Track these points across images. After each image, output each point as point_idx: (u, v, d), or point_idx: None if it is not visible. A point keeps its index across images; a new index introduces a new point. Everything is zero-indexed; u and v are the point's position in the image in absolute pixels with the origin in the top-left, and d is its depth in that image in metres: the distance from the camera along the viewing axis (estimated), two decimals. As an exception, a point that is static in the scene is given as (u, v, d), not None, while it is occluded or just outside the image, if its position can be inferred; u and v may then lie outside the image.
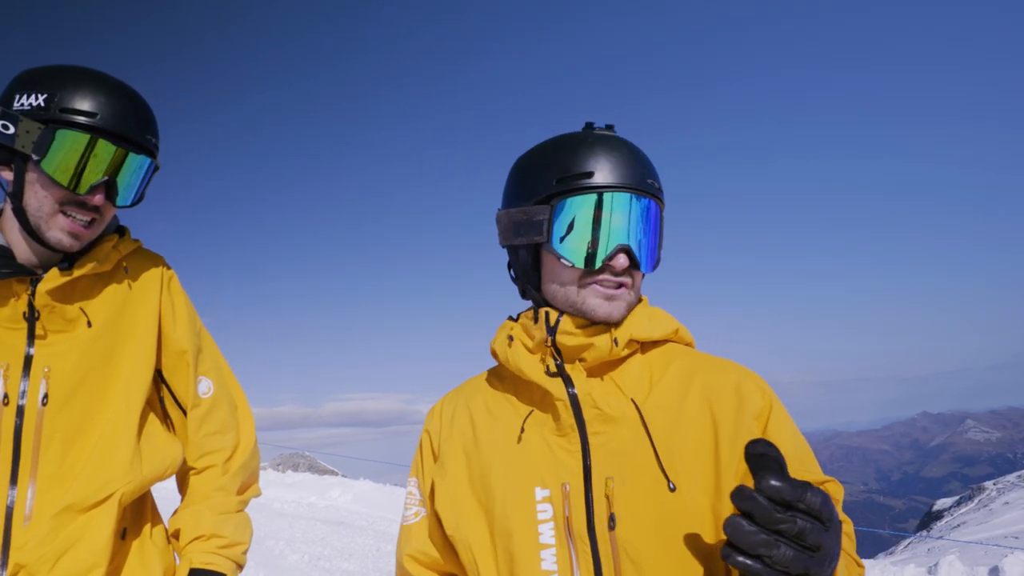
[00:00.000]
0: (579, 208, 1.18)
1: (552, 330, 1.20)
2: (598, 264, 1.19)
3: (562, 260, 1.20)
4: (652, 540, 1.09)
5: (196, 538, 1.55)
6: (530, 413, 1.23)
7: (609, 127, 1.27)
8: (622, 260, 1.18)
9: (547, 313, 1.21)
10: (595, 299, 1.20)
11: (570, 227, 1.19)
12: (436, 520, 1.27)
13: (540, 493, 1.15)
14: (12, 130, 1.34)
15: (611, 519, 1.10)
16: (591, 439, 1.15)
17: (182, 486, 1.65)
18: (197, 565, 1.52)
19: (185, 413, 1.61)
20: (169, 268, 1.65)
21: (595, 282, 1.20)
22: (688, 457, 1.12)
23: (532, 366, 1.21)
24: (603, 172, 1.19)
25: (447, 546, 1.27)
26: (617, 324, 1.21)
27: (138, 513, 1.56)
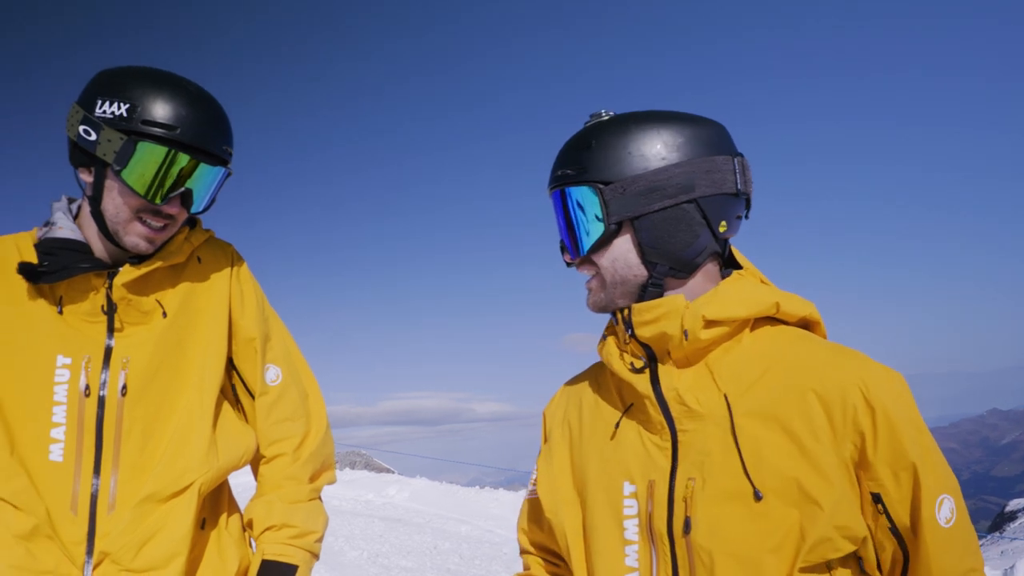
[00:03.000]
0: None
1: (629, 325, 1.17)
2: (568, 263, 1.26)
3: None
4: (729, 549, 1.04)
5: (267, 528, 1.56)
6: (629, 407, 1.22)
7: (594, 115, 1.24)
8: (566, 256, 1.25)
9: (622, 311, 1.19)
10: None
11: None
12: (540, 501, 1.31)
13: (628, 488, 1.15)
14: (94, 136, 1.36)
15: (687, 523, 1.07)
16: (680, 436, 1.12)
17: (256, 474, 1.67)
18: (269, 556, 1.54)
19: (254, 400, 1.62)
20: (239, 256, 1.67)
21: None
22: (779, 465, 1.05)
23: (619, 363, 1.20)
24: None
25: (549, 526, 1.30)
26: (609, 310, 1.22)
27: (216, 503, 1.58)
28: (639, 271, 1.18)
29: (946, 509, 1.05)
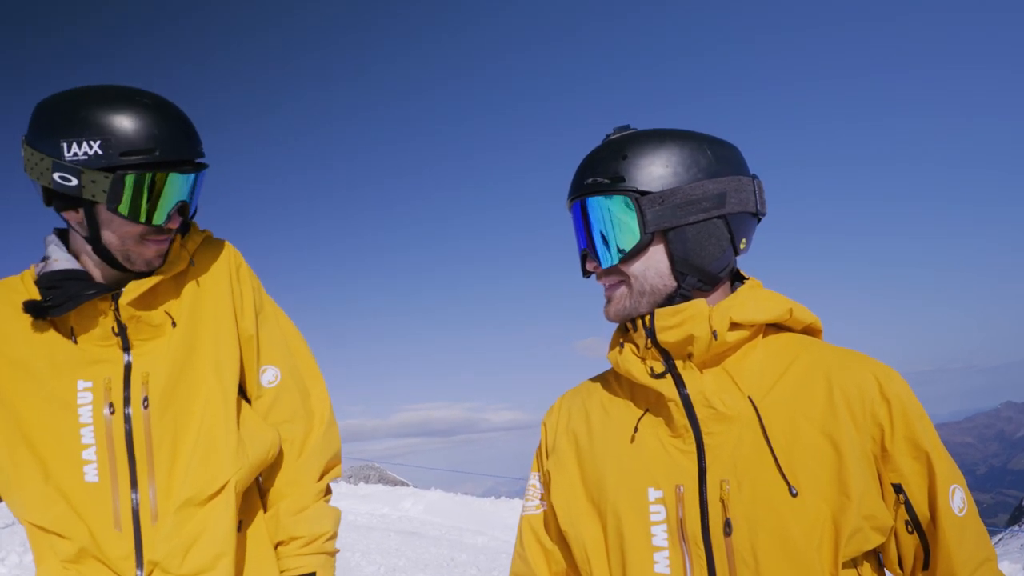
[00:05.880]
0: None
1: (651, 331, 1.18)
2: (584, 272, 1.27)
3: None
4: (770, 548, 1.06)
5: (277, 545, 1.57)
6: (645, 412, 1.22)
7: (618, 128, 1.26)
8: (591, 265, 1.24)
9: (643, 318, 1.20)
10: (605, 302, 1.26)
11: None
12: (552, 514, 1.29)
13: (653, 494, 1.15)
14: (75, 182, 1.34)
15: (727, 524, 1.08)
16: (706, 439, 1.13)
17: (262, 481, 1.65)
18: (285, 572, 1.55)
19: (250, 403, 1.62)
20: (236, 252, 1.65)
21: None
22: (809, 463, 1.08)
23: (640, 369, 1.20)
24: (570, 187, 1.26)
25: (562, 541, 1.28)
26: (623, 318, 1.23)
27: (249, 505, 1.58)
28: (669, 281, 1.20)
29: (958, 498, 1.10)
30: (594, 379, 1.39)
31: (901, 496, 1.10)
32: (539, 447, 1.39)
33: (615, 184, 1.18)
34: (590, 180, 1.21)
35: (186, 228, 1.57)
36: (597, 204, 1.20)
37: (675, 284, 1.20)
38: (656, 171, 1.18)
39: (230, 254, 1.64)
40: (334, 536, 1.63)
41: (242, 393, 1.63)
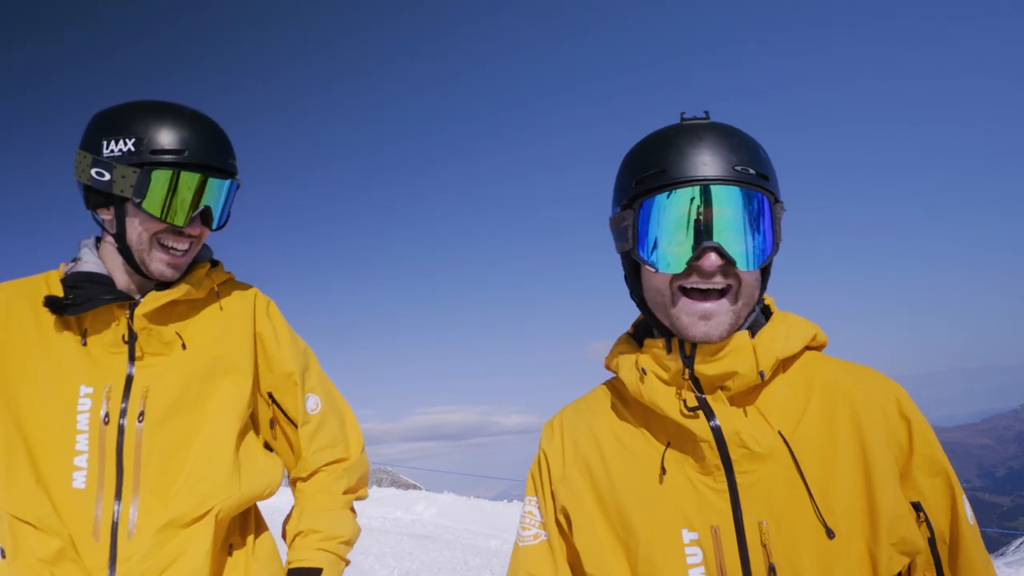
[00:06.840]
0: (659, 208, 1.06)
1: (689, 360, 1.09)
2: (682, 267, 1.06)
3: (646, 266, 1.09)
4: None
5: (296, 535, 1.63)
6: (668, 446, 1.13)
7: (706, 114, 1.13)
8: (711, 260, 1.04)
9: (681, 342, 1.10)
10: (688, 317, 1.07)
11: (653, 230, 1.07)
12: (562, 548, 1.20)
13: (688, 536, 1.06)
14: (108, 177, 1.43)
15: (771, 570, 1.01)
16: (739, 478, 1.06)
17: (295, 494, 1.72)
18: (293, 564, 1.59)
19: (298, 429, 1.68)
20: (264, 296, 1.72)
21: (687, 292, 1.08)
22: (844, 498, 1.03)
23: (669, 402, 1.10)
24: (678, 166, 1.06)
25: None
26: (715, 340, 1.07)
27: (243, 526, 1.61)
28: (756, 300, 1.12)
29: (967, 507, 1.09)
30: (594, 396, 1.29)
31: (921, 514, 1.06)
32: (538, 472, 1.27)
33: (762, 181, 1.06)
34: (740, 168, 1.05)
35: (214, 264, 1.64)
36: (752, 198, 1.06)
37: (755, 303, 1.12)
38: (775, 180, 1.09)
39: (257, 295, 1.70)
40: (350, 544, 1.68)
41: (275, 426, 1.69)
